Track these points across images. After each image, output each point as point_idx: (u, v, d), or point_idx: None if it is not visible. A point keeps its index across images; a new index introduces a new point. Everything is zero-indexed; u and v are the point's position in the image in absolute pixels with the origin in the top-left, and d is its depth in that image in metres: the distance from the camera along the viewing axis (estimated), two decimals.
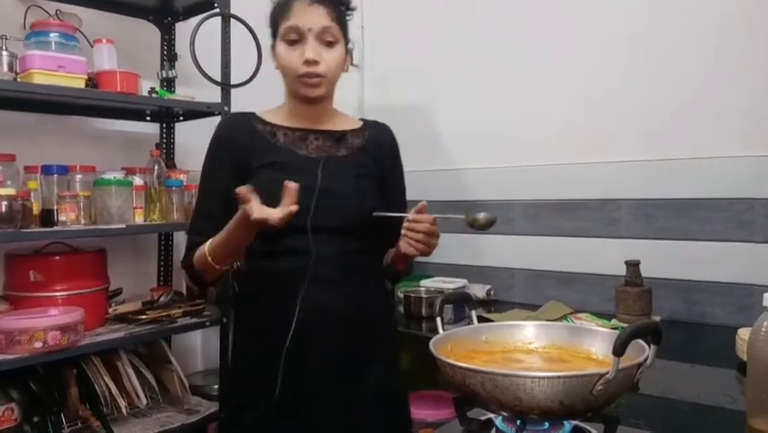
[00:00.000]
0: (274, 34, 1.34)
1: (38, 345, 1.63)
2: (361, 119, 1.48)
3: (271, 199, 1.17)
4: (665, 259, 1.94)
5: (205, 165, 1.37)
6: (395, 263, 1.39)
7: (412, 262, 1.44)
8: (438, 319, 1.06)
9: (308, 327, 1.26)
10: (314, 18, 1.27)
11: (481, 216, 1.27)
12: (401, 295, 2.21)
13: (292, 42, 1.29)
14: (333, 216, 1.28)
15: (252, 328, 1.36)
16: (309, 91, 1.30)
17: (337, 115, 1.43)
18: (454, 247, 2.35)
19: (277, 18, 1.32)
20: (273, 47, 1.35)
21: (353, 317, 1.30)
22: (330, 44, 1.30)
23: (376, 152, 1.41)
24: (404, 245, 1.26)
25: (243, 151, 1.32)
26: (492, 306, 2.23)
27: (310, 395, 1.26)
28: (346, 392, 1.28)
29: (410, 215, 1.25)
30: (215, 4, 2.09)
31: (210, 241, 1.27)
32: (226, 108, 2.10)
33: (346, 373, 1.29)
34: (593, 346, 0.98)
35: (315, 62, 1.27)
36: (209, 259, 1.26)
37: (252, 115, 1.39)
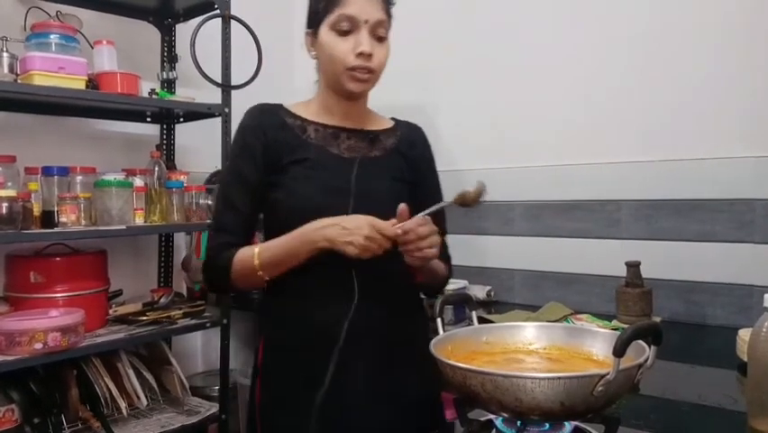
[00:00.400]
0: (316, 21, 1.24)
1: (38, 346, 1.63)
2: (393, 118, 1.41)
3: (302, 198, 1.12)
4: (666, 260, 1.94)
5: (233, 156, 1.28)
6: (414, 278, 1.28)
7: (449, 266, 1.39)
8: (438, 320, 1.06)
9: (348, 340, 1.18)
10: (371, 10, 1.20)
11: (470, 189, 1.13)
12: None
13: (342, 33, 1.20)
14: None
15: (284, 349, 1.25)
16: (357, 86, 1.22)
17: (370, 114, 1.37)
18: (454, 248, 2.31)
19: (325, 4, 1.22)
20: (313, 34, 1.26)
21: (394, 327, 1.23)
22: (381, 39, 1.23)
23: (408, 153, 1.35)
24: (408, 259, 1.15)
25: (275, 144, 1.24)
26: (492, 307, 2.23)
27: (350, 410, 1.19)
28: (385, 406, 1.21)
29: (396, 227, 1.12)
30: (216, 6, 2.09)
31: (261, 250, 1.19)
32: (227, 110, 2.10)
33: (386, 386, 1.22)
34: (593, 347, 0.99)
35: (370, 56, 1.20)
36: (258, 268, 1.18)
37: (280, 107, 1.30)
